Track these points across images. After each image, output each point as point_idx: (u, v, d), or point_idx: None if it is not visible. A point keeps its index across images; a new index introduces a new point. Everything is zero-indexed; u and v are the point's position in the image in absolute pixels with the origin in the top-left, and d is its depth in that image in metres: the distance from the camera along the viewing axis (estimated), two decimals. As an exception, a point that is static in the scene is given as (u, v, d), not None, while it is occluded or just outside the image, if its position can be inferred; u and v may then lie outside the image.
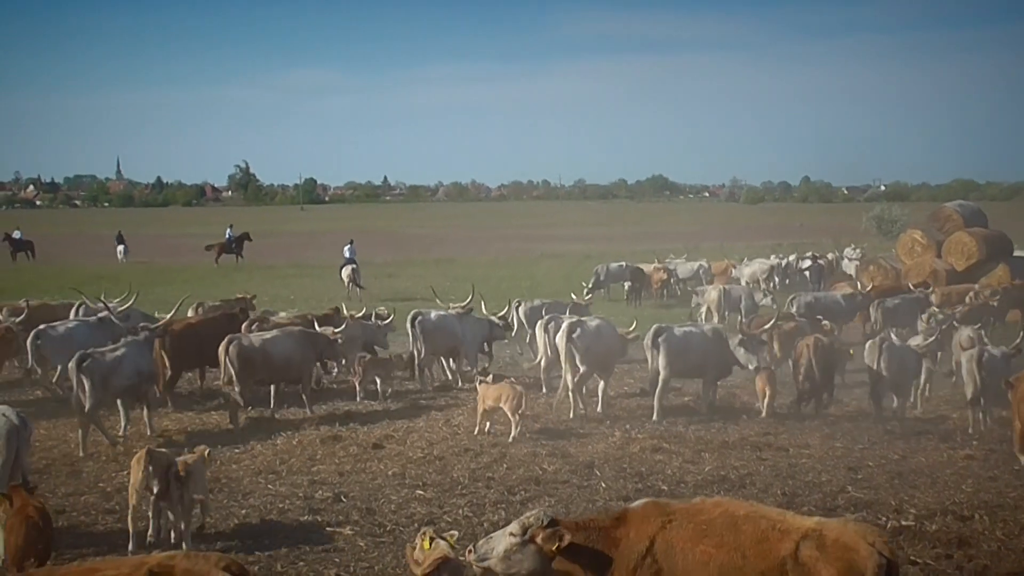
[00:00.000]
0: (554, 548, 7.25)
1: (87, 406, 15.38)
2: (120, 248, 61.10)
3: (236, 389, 17.10)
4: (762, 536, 7.08)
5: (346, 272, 41.19)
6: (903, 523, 11.74)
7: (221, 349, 17.27)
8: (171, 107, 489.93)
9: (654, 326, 18.24)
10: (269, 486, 13.19)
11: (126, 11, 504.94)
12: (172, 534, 11.12)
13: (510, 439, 15.52)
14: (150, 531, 11.27)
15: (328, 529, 11.69)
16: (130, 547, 10.87)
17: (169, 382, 18.73)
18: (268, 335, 18.21)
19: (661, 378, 17.49)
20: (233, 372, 17.10)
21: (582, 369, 17.66)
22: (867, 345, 18.06)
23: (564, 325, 18.18)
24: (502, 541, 7.43)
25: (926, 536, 11.28)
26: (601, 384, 18.23)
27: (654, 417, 17.17)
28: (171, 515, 11.11)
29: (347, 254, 43.80)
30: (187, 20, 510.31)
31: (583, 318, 19.27)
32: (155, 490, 10.86)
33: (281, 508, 12.43)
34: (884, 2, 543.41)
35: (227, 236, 59.83)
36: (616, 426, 16.87)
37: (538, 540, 7.31)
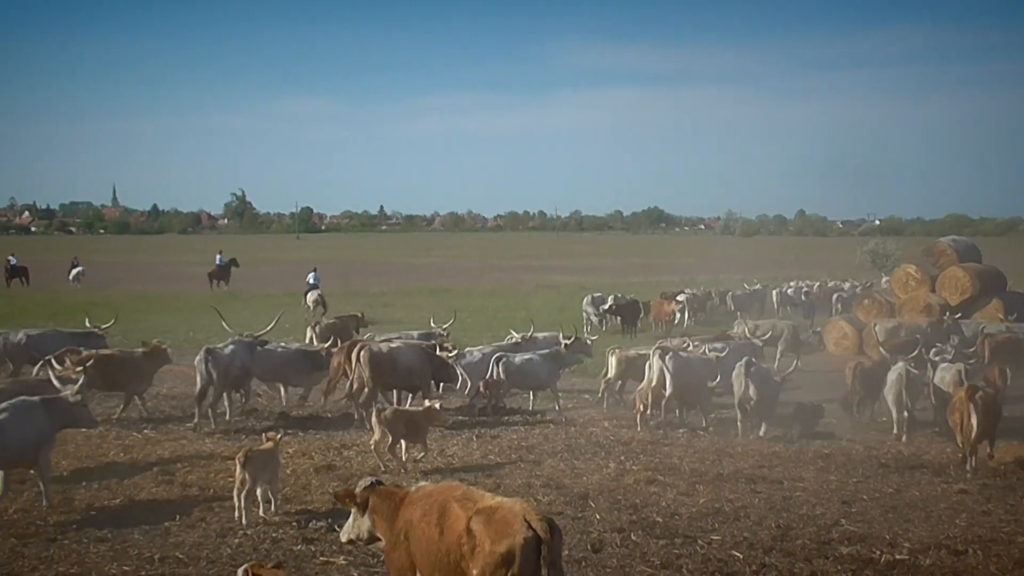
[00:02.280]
0: (347, 502, 9.28)
1: None
2: (74, 272, 60.93)
3: (366, 390, 19.07)
4: (455, 515, 8.40)
5: (311, 297, 43.76)
6: (897, 557, 11.73)
7: (354, 354, 19.26)
8: (167, 135, 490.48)
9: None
10: (263, 515, 13.15)
11: (123, 38, 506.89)
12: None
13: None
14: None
15: (322, 559, 11.65)
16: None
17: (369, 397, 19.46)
18: (394, 345, 20.22)
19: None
20: (365, 375, 18.94)
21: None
22: None
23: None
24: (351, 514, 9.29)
25: (920, 570, 11.29)
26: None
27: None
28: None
29: (311, 280, 46.17)
30: (183, 48, 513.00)
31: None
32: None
33: (275, 538, 12.39)
34: (879, 37, 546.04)
35: (217, 262, 60.50)
36: (611, 458, 16.88)
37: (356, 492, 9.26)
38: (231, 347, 19.67)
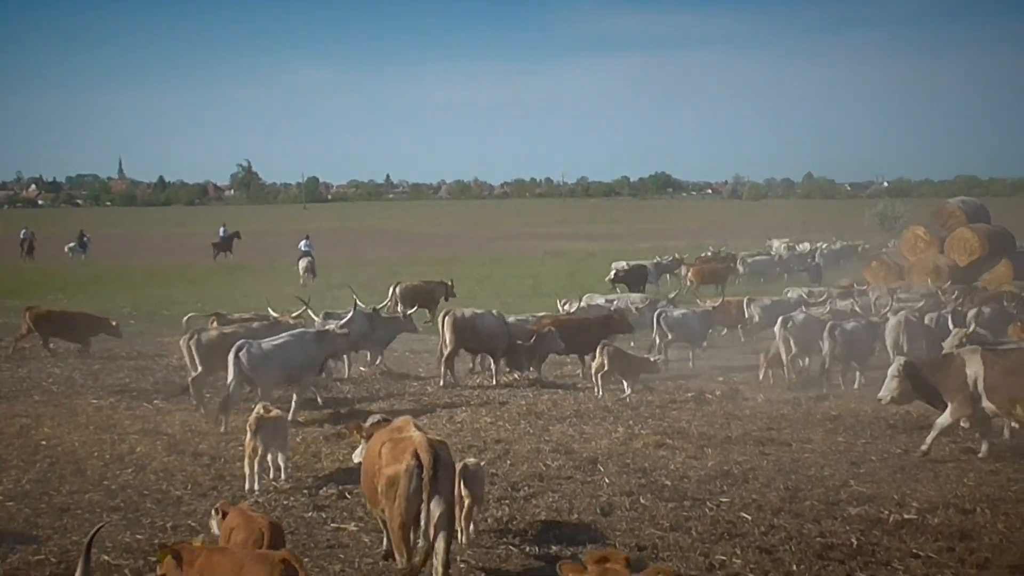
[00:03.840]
0: (356, 433, 10.97)
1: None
2: (69, 246, 61.13)
3: (447, 352, 20.33)
4: (379, 441, 9.72)
5: (303, 264, 44.82)
6: (905, 516, 11.77)
7: (439, 319, 20.80)
8: (173, 106, 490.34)
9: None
10: (273, 483, 13.22)
11: (128, 10, 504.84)
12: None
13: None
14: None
15: (332, 525, 11.72)
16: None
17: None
18: (478, 311, 21.32)
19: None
20: (448, 338, 20.17)
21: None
22: None
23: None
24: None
25: (928, 529, 11.32)
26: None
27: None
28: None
29: (303, 247, 46.75)
30: (189, 19, 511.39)
31: None
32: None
33: (286, 505, 12.46)
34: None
35: (221, 234, 61.18)
36: (619, 422, 16.92)
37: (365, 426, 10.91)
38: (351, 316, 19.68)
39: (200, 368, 17.77)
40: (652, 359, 20.37)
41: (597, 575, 6.88)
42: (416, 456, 9.14)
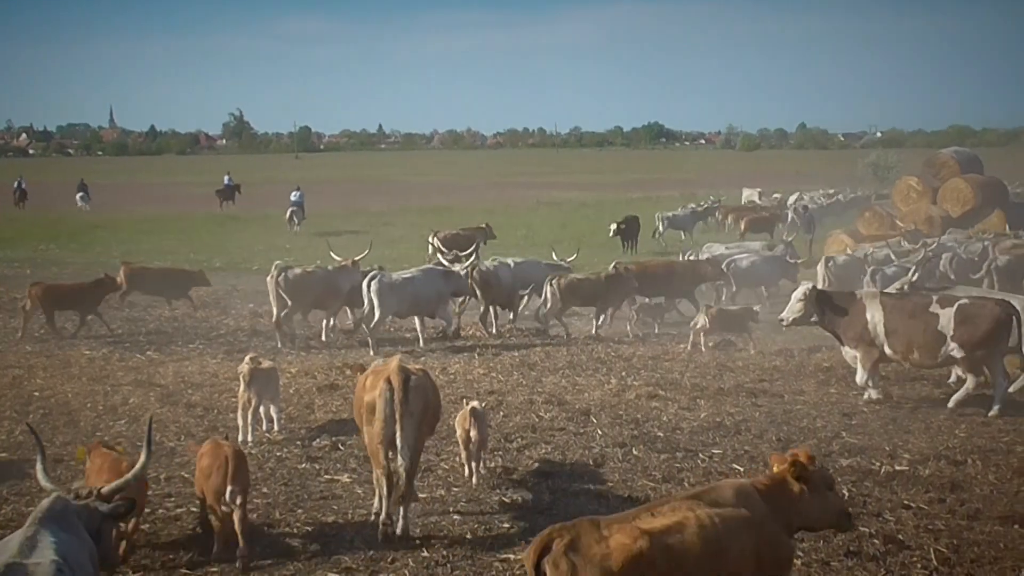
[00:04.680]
0: (358, 373, 11.02)
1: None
2: (79, 196, 61.05)
3: (484, 305, 21.31)
4: (366, 373, 10.33)
5: (288, 213, 46.46)
6: (896, 468, 11.82)
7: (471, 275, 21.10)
8: (164, 55, 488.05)
9: None
10: (267, 434, 13.25)
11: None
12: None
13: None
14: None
15: (326, 476, 11.76)
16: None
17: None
18: (508, 262, 22.02)
19: None
20: (479, 292, 20.96)
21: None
22: None
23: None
24: None
25: (919, 480, 11.38)
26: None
27: None
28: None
29: (294, 198, 48.63)
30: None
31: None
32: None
33: (279, 456, 12.49)
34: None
35: (225, 182, 61.50)
36: (612, 374, 16.96)
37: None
38: (494, 265, 21.74)
39: (290, 303, 19.50)
40: (755, 308, 20.12)
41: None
42: (389, 381, 9.70)
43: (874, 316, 14.91)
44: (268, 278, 19.76)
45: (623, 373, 17.01)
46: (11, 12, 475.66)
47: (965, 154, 36.09)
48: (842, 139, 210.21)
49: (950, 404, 14.67)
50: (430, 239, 30.74)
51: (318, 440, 13.15)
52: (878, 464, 11.97)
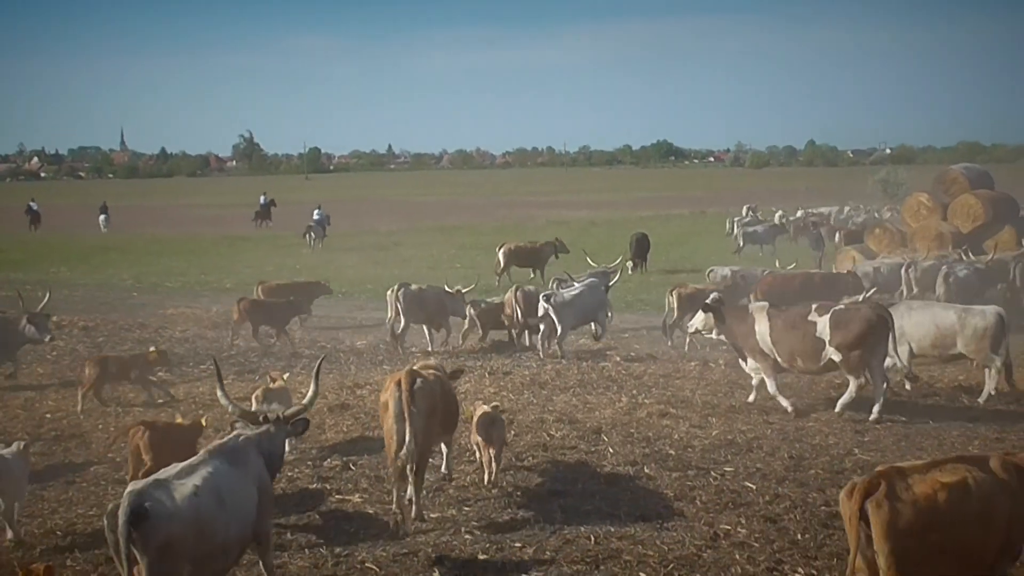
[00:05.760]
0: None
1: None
2: (102, 218, 61.87)
3: (519, 321, 21.26)
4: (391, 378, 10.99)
5: (307, 228, 47.72)
6: (910, 485, 11.76)
7: (509, 295, 21.41)
8: (174, 77, 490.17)
9: None
10: (278, 455, 13.22)
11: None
12: None
13: None
14: None
15: (337, 497, 11.74)
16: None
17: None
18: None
19: None
20: (519, 312, 21.01)
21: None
22: None
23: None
24: None
25: (933, 498, 11.30)
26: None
27: None
28: None
29: (316, 216, 50.30)
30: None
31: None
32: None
33: (290, 476, 12.48)
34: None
35: (261, 202, 62.77)
36: (623, 392, 16.92)
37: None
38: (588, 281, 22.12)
39: (403, 319, 20.90)
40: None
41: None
42: (399, 384, 10.60)
43: (761, 328, 15.60)
44: (388, 292, 21.33)
45: (634, 391, 16.96)
46: (24, 37, 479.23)
47: (975, 170, 35.96)
48: (851, 156, 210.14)
49: (836, 409, 15.18)
50: (497, 250, 32.62)
51: (329, 460, 13.14)
52: (891, 481, 11.90)
